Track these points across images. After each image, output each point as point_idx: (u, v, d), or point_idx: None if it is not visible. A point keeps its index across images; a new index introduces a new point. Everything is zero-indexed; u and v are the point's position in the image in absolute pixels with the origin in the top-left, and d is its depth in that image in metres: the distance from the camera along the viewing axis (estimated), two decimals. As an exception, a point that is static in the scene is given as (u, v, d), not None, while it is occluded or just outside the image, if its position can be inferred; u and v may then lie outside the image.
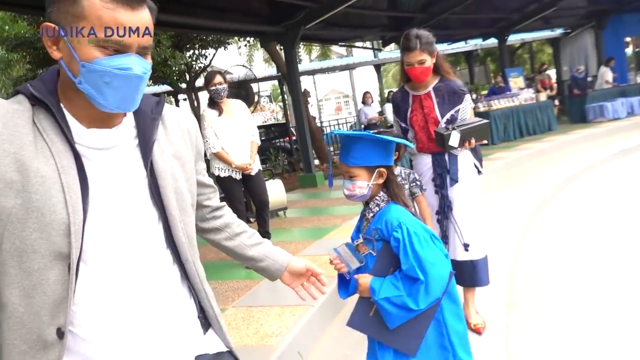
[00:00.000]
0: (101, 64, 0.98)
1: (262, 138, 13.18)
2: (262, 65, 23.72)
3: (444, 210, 2.86)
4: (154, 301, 1.10)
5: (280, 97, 18.74)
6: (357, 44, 13.13)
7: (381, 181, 1.83)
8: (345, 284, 1.89)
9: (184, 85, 11.95)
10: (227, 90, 4.25)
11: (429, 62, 2.71)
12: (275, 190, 5.89)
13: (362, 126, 11.47)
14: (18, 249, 0.98)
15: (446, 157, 2.87)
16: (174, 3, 6.81)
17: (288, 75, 9.12)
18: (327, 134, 1.75)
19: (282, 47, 9.41)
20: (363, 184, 1.80)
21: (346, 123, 17.22)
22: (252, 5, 8.06)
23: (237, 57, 19.07)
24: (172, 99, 15.68)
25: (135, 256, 1.08)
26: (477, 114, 10.75)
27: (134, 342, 1.07)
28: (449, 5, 10.95)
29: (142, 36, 1.01)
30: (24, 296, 0.99)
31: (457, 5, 10.85)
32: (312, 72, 19.02)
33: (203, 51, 11.72)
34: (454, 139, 2.63)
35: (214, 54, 11.95)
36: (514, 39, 16.56)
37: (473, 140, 2.72)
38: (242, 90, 7.44)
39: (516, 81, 13.37)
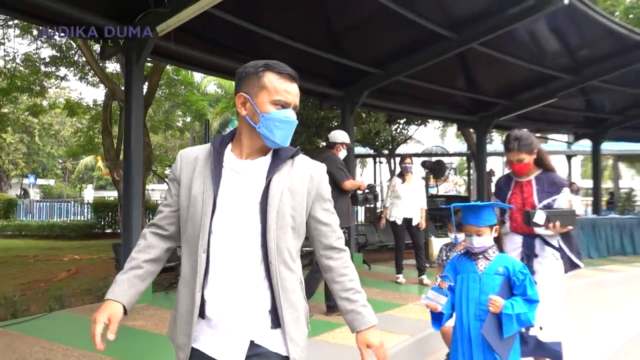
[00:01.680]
0: (274, 114, 1.48)
1: (443, 206, 14.80)
2: (453, 140, 25.40)
3: None
4: (241, 282, 1.45)
5: (466, 171, 20.02)
6: (548, 135, 13.96)
7: (495, 235, 2.46)
8: (437, 320, 2.43)
9: (385, 151, 14.34)
10: (412, 168, 6.58)
11: (527, 159, 3.05)
12: (451, 247, 7.45)
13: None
14: (186, 240, 1.53)
15: (536, 242, 3.07)
16: (396, 94, 9.12)
17: (476, 157, 10.69)
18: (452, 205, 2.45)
19: (474, 132, 11.07)
20: (489, 238, 2.40)
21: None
22: (455, 100, 9.99)
23: (432, 131, 21.16)
24: (372, 160, 18.32)
25: (238, 249, 1.46)
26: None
27: (232, 316, 1.45)
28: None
29: (295, 99, 1.53)
30: (189, 267, 1.51)
31: (659, 111, 11.13)
32: (501, 154, 19.98)
33: (407, 126, 14.03)
34: (539, 217, 2.88)
35: (416, 130, 14.15)
36: None
37: (558, 223, 2.88)
38: (437, 165, 9.23)
39: None
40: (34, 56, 14.24)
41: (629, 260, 9.17)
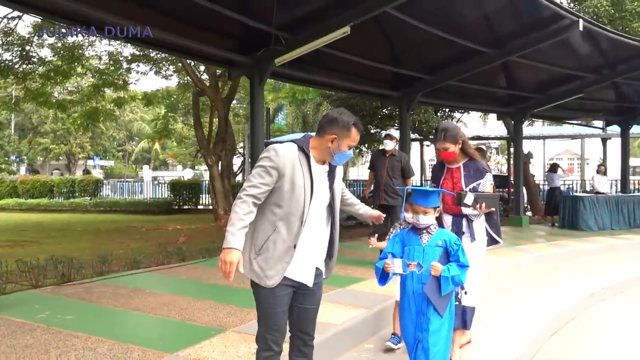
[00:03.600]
0: (347, 153, 2.50)
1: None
2: (494, 122, 26.60)
3: None
4: (320, 241, 2.53)
5: (507, 152, 21.38)
6: (580, 122, 15.32)
7: (437, 215, 2.94)
8: (383, 280, 2.93)
9: (432, 137, 16.08)
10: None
11: (452, 148, 3.51)
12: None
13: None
14: (287, 212, 2.40)
15: (464, 221, 3.50)
16: (445, 92, 10.87)
17: (514, 143, 12.33)
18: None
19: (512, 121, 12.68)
20: (432, 217, 2.88)
21: (564, 185, 18.74)
22: (495, 94, 11.65)
23: (475, 115, 22.56)
24: (419, 144, 20.06)
25: (321, 222, 2.52)
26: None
27: (309, 256, 2.48)
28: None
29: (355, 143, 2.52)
30: (287, 229, 2.40)
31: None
32: (539, 137, 21.31)
33: (451, 113, 15.70)
34: (469, 198, 3.28)
35: (460, 116, 15.79)
36: None
37: (484, 205, 3.31)
38: (478, 150, 10.96)
39: None
40: (116, 55, 16.70)
41: (646, 232, 10.69)
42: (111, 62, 16.67)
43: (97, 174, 42.38)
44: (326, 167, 2.55)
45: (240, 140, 29.04)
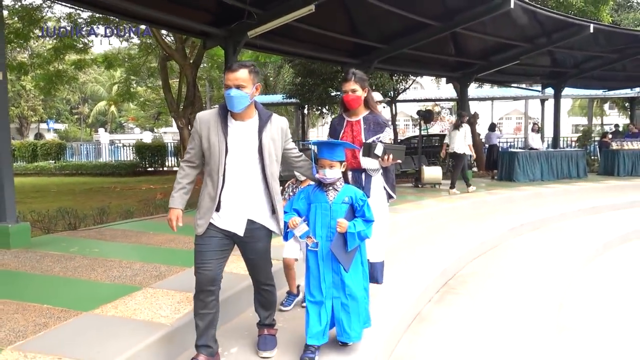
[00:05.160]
0: (225, 93, 2.54)
1: (436, 144, 17.89)
2: (447, 85, 28.07)
3: None
4: (251, 193, 2.65)
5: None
6: (521, 85, 16.84)
7: (343, 170, 2.90)
8: (286, 237, 2.87)
9: (387, 99, 17.21)
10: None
11: (360, 92, 3.42)
12: (436, 172, 10.57)
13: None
14: (210, 169, 2.63)
15: (363, 175, 3.48)
16: (399, 59, 11.94)
17: (460, 104, 13.66)
18: (309, 143, 3.32)
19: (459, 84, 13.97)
20: (338, 171, 2.83)
21: (506, 142, 20.51)
22: (444, 61, 12.83)
23: (428, 78, 23.83)
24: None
25: (246, 176, 2.63)
26: (611, 150, 13.83)
27: (236, 206, 2.64)
28: (601, 63, 14.10)
29: (235, 82, 2.52)
30: (211, 183, 2.62)
31: (608, 64, 13.94)
32: (485, 99, 22.95)
33: (405, 77, 16.86)
34: (379, 149, 3.19)
35: (414, 80, 16.97)
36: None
37: (391, 156, 3.26)
38: (427, 113, 12.15)
39: (658, 129, 15.51)
40: (75, 16, 16.73)
41: (570, 182, 12.34)
42: (71, 24, 16.68)
43: (51, 137, 41.35)
44: (251, 123, 2.68)
45: (203, 103, 29.28)
